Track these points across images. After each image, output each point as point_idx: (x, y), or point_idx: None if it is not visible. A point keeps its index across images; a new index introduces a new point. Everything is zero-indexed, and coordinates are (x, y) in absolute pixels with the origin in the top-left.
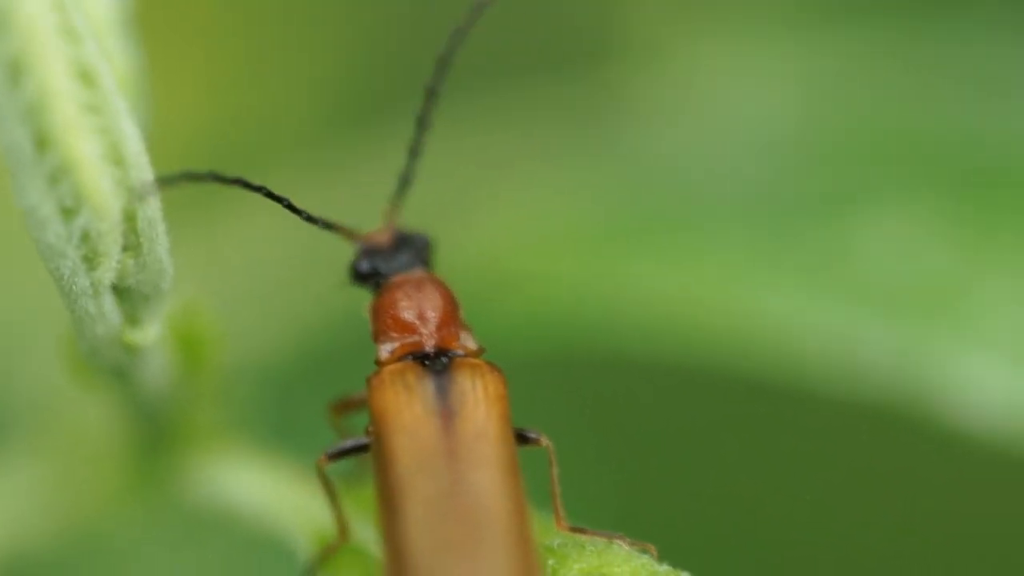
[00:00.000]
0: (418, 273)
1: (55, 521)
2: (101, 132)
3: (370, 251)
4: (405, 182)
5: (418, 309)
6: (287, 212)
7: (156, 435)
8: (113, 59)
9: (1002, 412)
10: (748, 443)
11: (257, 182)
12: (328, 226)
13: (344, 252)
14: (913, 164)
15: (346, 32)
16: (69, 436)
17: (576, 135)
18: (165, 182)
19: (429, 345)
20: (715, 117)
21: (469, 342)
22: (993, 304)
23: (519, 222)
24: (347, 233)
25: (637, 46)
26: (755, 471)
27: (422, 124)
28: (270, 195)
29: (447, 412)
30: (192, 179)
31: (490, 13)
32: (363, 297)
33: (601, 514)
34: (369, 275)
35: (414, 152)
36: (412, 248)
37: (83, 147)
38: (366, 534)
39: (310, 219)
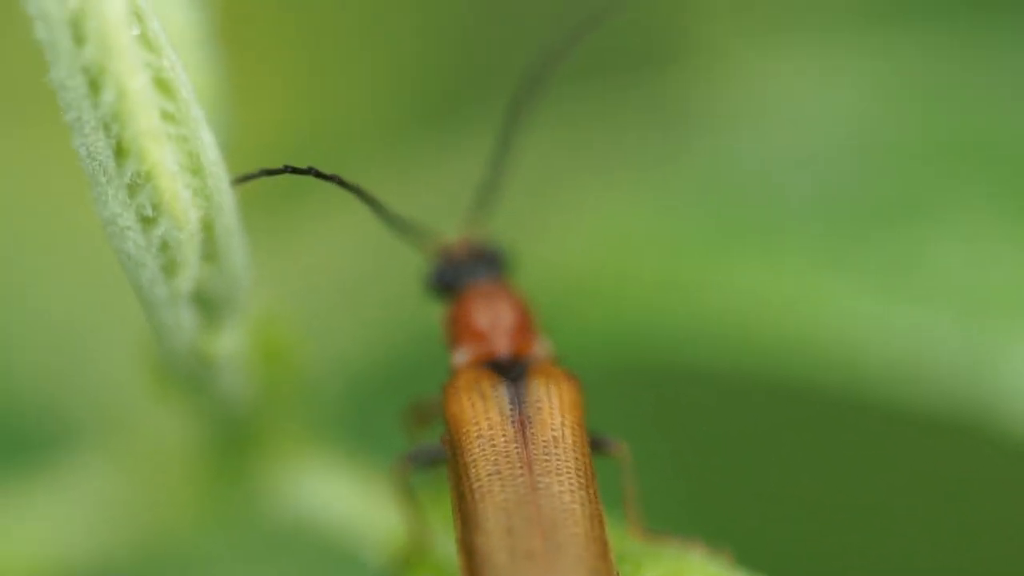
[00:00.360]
0: (492, 283)
1: (129, 531)
2: (180, 141)
3: (445, 262)
4: (485, 196)
5: (492, 318)
6: (364, 219)
7: (234, 444)
8: (192, 68)
9: None
10: (818, 450)
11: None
12: (403, 225)
13: (419, 257)
14: (981, 168)
15: (419, 37)
16: (144, 445)
17: (644, 140)
18: (244, 180)
19: (503, 353)
20: (782, 121)
21: (544, 350)
22: None
23: (592, 228)
24: (422, 237)
25: (702, 50)
26: (823, 478)
27: (506, 142)
28: (342, 183)
29: (522, 419)
30: (269, 174)
31: (556, 15)
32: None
33: (670, 518)
34: (444, 286)
35: (497, 169)
36: (487, 259)
37: (162, 156)
38: (446, 543)
39: (382, 211)
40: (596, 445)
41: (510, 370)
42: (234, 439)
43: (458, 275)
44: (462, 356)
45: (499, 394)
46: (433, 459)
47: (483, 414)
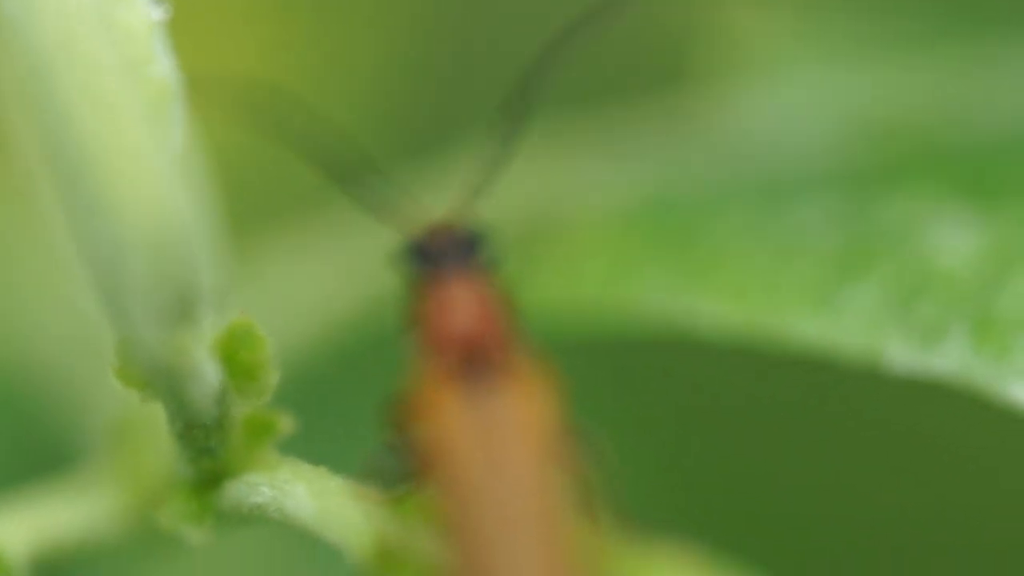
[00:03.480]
0: (469, 271)
1: (122, 530)
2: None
3: (422, 241)
4: (479, 184)
5: (465, 313)
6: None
7: (213, 446)
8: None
9: None
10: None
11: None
12: (379, 200)
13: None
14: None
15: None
16: (130, 447)
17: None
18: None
19: (474, 347)
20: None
21: (518, 343)
22: None
23: (593, 232)
24: (403, 216)
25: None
26: (809, 445)
27: (504, 142)
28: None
29: (494, 415)
30: None
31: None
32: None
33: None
34: (416, 269)
35: (491, 164)
36: (467, 245)
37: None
38: (422, 544)
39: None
40: (574, 440)
41: (480, 364)
42: (213, 441)
43: (431, 258)
44: (428, 350)
45: (468, 393)
46: (405, 460)
47: (451, 415)
